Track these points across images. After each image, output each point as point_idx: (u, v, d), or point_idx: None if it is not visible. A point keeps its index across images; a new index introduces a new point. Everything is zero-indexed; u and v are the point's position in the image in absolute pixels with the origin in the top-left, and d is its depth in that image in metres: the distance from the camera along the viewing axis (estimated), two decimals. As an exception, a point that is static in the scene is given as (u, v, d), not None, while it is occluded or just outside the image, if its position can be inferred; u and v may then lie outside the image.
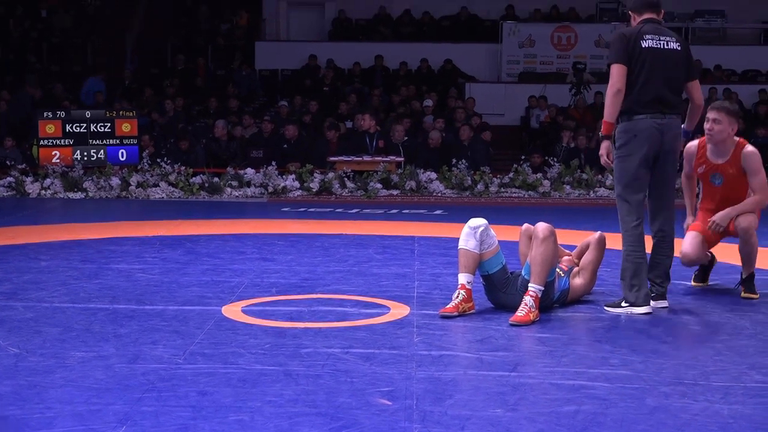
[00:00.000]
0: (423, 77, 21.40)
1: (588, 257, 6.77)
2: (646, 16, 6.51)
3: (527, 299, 6.04)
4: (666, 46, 6.38)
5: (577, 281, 6.64)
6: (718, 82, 20.77)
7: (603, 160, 6.41)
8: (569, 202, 13.82)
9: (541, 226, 6.20)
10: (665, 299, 6.57)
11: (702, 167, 7.03)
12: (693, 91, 6.61)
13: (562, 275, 6.51)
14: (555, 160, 14.73)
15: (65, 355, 5.09)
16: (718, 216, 6.88)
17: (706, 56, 21.71)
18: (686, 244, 7.04)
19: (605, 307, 6.47)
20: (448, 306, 6.15)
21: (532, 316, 5.97)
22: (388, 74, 21.68)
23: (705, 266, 7.41)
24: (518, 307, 6.03)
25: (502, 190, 14.21)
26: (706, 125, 6.88)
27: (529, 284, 6.11)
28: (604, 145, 6.39)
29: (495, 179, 14.27)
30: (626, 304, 6.38)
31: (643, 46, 6.32)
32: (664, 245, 6.59)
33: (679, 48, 6.45)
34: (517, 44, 22.27)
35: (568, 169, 14.44)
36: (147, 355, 5.10)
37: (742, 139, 6.94)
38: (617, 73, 6.30)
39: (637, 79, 6.32)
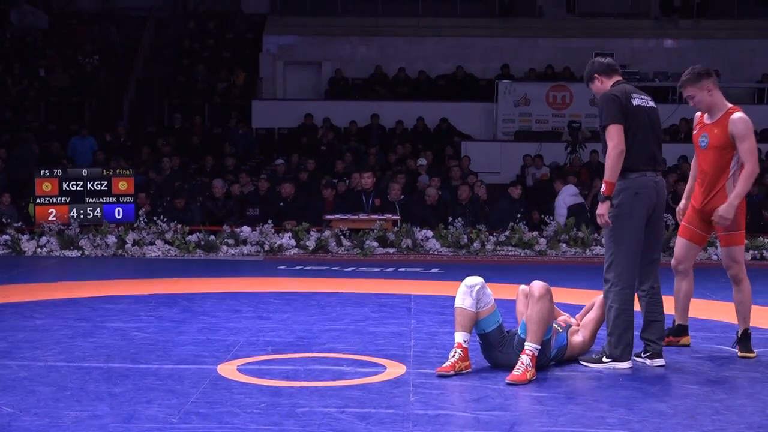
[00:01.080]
0: (419, 136, 21.51)
1: (590, 316, 6.78)
2: (615, 78, 6.67)
3: (524, 358, 6.02)
4: (648, 104, 6.58)
5: (577, 339, 6.62)
6: (713, 140, 20.84)
7: (603, 220, 6.40)
8: (566, 260, 13.82)
9: (537, 285, 6.20)
10: (662, 357, 6.57)
11: (697, 128, 7.05)
12: None
13: (561, 331, 6.50)
14: (551, 218, 14.75)
15: (59, 415, 5.06)
16: (722, 209, 6.73)
17: (700, 115, 21.79)
18: (676, 250, 7.17)
19: (582, 362, 6.48)
20: (444, 365, 6.13)
21: (528, 375, 5.95)
22: (384, 133, 21.79)
23: (679, 327, 7.33)
24: (515, 366, 6.01)
25: (499, 248, 14.21)
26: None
27: (526, 343, 6.09)
28: (605, 206, 6.38)
29: (491, 237, 14.27)
30: (608, 360, 6.40)
31: (634, 104, 6.45)
32: (656, 302, 6.62)
33: (655, 106, 6.66)
34: (512, 103, 22.42)
35: (564, 227, 14.45)
36: (142, 415, 5.07)
37: (734, 106, 6.89)
38: (617, 133, 6.35)
39: (635, 137, 6.41)
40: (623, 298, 6.40)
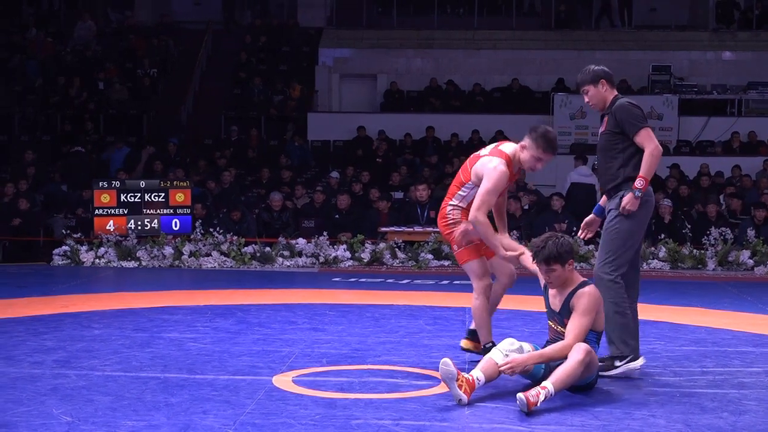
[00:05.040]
0: (474, 148, 21.33)
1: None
2: (615, 92, 6.81)
3: (543, 392, 5.57)
4: None
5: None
6: (772, 153, 20.62)
7: (627, 210, 6.53)
8: (621, 273, 13.67)
9: (581, 345, 5.87)
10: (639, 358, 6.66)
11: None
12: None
13: (597, 347, 6.25)
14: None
15: (116, 424, 5.10)
16: None
17: (760, 128, 21.57)
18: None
19: (601, 374, 6.29)
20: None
21: (534, 406, 5.50)
22: (439, 145, 21.76)
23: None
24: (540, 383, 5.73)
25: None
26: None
27: (550, 383, 5.67)
28: (637, 202, 6.53)
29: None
30: (622, 362, 6.46)
31: None
32: (636, 306, 6.76)
33: None
34: (568, 116, 22.27)
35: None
36: (197, 425, 5.10)
37: None
38: (652, 135, 6.58)
39: (638, 149, 6.61)
40: (619, 294, 6.53)
